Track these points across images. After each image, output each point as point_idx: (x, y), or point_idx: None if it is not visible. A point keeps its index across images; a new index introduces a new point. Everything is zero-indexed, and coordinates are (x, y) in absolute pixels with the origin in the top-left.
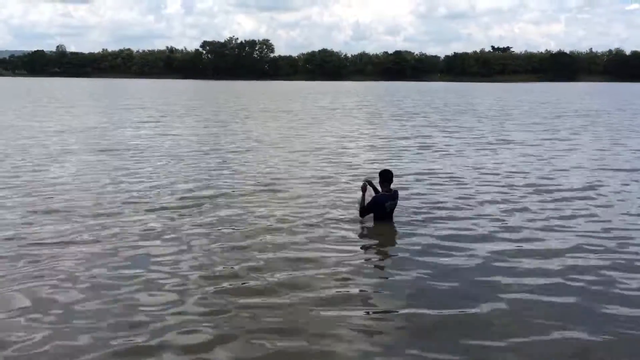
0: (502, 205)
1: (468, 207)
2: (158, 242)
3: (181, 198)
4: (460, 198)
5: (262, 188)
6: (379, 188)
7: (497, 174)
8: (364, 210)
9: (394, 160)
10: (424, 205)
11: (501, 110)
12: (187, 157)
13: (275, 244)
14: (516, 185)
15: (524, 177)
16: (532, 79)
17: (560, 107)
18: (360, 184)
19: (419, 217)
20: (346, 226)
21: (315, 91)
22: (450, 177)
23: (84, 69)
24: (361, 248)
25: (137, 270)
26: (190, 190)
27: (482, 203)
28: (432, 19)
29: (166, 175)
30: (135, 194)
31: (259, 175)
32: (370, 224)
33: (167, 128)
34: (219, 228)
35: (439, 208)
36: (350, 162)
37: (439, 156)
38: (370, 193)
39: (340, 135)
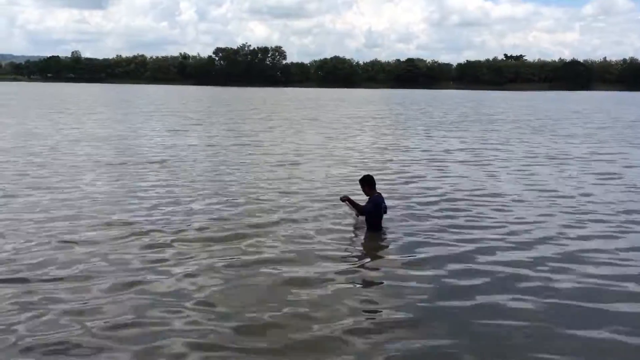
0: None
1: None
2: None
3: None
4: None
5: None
6: (356, 205)
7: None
8: (363, 209)
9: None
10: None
11: (547, 120)
12: (231, 169)
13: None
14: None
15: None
16: (545, 87)
17: (612, 115)
18: (339, 198)
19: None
20: None
21: (332, 98)
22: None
23: (98, 75)
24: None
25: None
26: (240, 209)
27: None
28: (445, 27)
29: (209, 194)
30: (174, 216)
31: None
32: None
33: (197, 138)
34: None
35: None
36: (419, 179)
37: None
38: (348, 208)
39: (384, 147)
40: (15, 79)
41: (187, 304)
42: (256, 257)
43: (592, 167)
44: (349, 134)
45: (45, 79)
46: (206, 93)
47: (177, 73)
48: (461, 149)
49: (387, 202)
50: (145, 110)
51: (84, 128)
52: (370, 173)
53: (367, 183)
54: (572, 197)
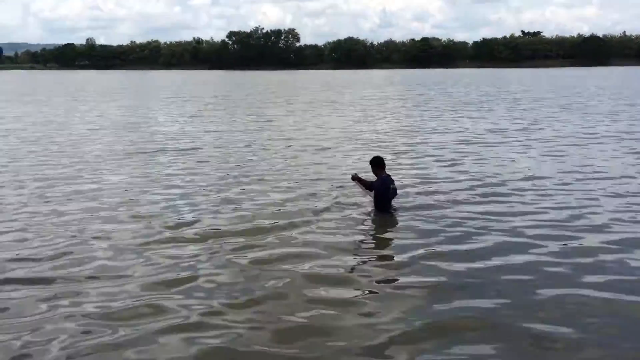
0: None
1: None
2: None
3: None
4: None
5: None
6: (364, 182)
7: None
8: (371, 185)
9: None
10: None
11: (574, 97)
12: (256, 156)
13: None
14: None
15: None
16: (563, 64)
17: None
18: (349, 177)
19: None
20: None
21: (349, 80)
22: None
23: (112, 61)
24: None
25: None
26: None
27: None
28: (460, 5)
29: (234, 182)
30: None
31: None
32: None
33: (221, 124)
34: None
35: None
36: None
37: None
38: (359, 186)
39: (410, 130)
40: (32, 68)
41: (214, 303)
42: (280, 250)
43: (630, 145)
44: (373, 116)
45: (61, 66)
46: (221, 77)
47: (190, 58)
48: (490, 130)
49: (418, 188)
50: (164, 96)
51: (106, 115)
52: (399, 157)
53: (376, 164)
54: (614, 178)
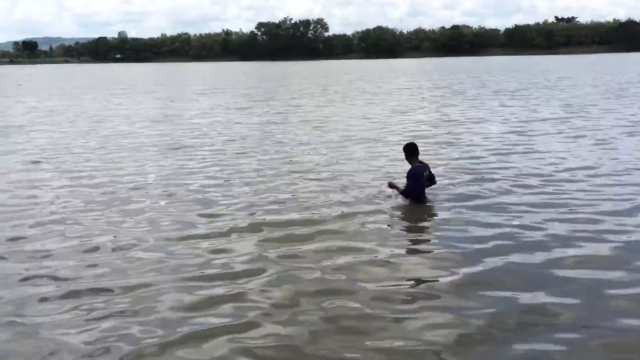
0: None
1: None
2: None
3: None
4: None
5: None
6: (401, 184)
7: None
8: (407, 191)
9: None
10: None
11: (625, 84)
12: (302, 148)
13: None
14: None
15: None
16: (599, 50)
17: None
18: (385, 185)
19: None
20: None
21: (381, 69)
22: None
23: (144, 54)
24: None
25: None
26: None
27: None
28: None
29: (281, 177)
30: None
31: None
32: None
33: (263, 115)
34: None
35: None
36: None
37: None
38: (395, 192)
39: (455, 120)
40: (66, 62)
41: (251, 312)
42: (315, 246)
43: None
44: (412, 106)
45: (94, 59)
46: (253, 68)
47: (220, 50)
48: (542, 119)
49: (463, 178)
50: (199, 88)
51: (145, 108)
52: (443, 147)
53: (410, 151)
54: None
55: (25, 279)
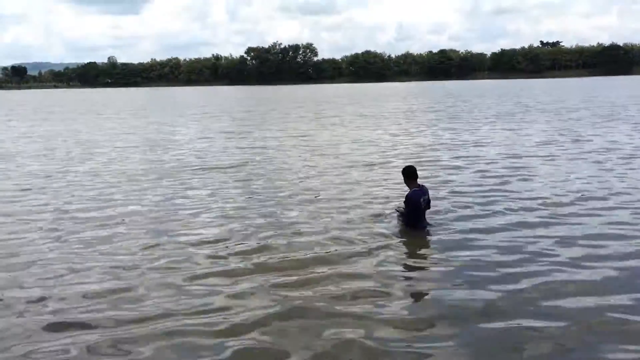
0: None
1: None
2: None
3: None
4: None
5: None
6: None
7: None
8: (406, 216)
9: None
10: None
11: (614, 107)
12: (299, 175)
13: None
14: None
15: None
16: (584, 73)
17: None
18: (392, 210)
19: None
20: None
21: (372, 93)
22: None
23: (134, 79)
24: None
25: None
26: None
27: None
28: (477, 16)
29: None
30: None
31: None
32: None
33: (258, 140)
34: None
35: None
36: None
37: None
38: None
39: (454, 144)
40: (55, 86)
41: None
42: (311, 274)
43: None
44: (410, 130)
45: (83, 84)
46: (243, 93)
47: (210, 74)
48: (536, 143)
49: (463, 202)
50: (193, 112)
51: (141, 133)
52: (449, 173)
53: (406, 175)
54: None
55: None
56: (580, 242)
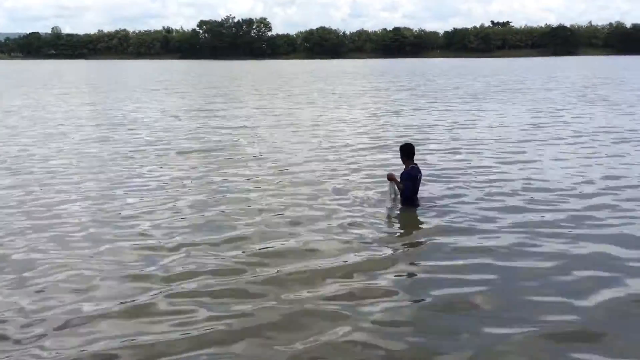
0: None
1: None
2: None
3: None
4: None
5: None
6: (398, 184)
7: None
8: (405, 191)
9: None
10: None
11: (581, 87)
12: (285, 153)
13: None
14: None
15: None
16: (533, 53)
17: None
18: (385, 175)
19: None
20: None
21: (332, 70)
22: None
23: (79, 51)
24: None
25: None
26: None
27: None
28: None
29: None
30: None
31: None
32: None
33: (233, 119)
34: None
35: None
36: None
37: None
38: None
39: (434, 125)
40: None
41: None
42: (298, 261)
43: None
44: (388, 109)
45: (26, 56)
46: (200, 67)
47: (161, 47)
48: (511, 124)
49: (452, 183)
50: (154, 87)
51: (100, 110)
52: (437, 156)
53: (406, 153)
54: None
55: None
56: (565, 224)
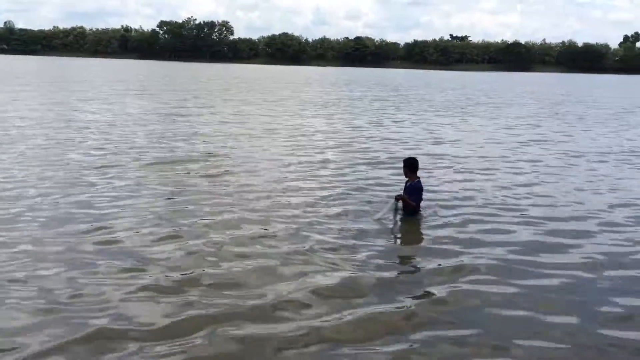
0: None
1: None
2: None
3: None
4: None
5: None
6: (410, 203)
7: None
8: (417, 203)
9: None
10: None
11: (548, 103)
12: (264, 163)
13: None
14: None
15: None
16: (488, 68)
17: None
18: (393, 198)
19: None
20: None
21: (299, 77)
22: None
23: (33, 47)
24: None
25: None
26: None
27: None
28: (392, 5)
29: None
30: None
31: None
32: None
33: (204, 124)
34: None
35: None
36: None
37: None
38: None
39: (411, 136)
40: None
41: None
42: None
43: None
44: (371, 120)
45: None
46: (161, 69)
47: (118, 46)
48: (490, 138)
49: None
50: (116, 87)
51: (57, 110)
52: (424, 172)
53: (411, 167)
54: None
55: None
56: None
